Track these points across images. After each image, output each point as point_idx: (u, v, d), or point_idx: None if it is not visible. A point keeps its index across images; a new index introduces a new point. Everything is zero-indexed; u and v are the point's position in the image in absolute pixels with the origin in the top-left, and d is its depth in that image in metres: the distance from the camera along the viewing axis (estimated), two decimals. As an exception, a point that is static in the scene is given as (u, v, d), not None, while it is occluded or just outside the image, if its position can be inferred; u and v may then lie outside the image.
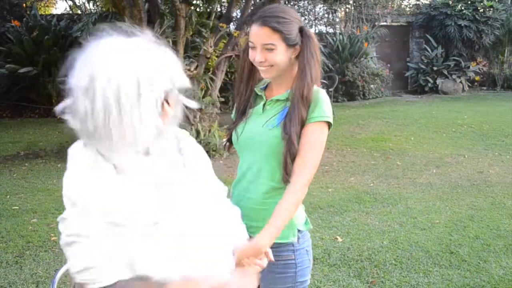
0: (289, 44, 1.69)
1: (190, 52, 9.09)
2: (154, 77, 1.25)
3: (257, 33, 1.69)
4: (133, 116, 1.22)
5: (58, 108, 1.28)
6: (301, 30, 1.72)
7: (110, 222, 1.24)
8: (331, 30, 14.20)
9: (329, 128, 1.72)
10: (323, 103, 1.70)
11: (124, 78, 1.21)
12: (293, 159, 1.66)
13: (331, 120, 1.71)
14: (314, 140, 1.68)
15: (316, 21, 14.39)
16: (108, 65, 1.22)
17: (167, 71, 1.29)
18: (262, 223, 1.61)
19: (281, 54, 1.68)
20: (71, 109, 1.26)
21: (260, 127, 1.73)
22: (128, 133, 1.23)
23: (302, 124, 1.68)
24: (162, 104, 1.29)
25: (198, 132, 7.27)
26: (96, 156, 1.28)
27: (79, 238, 1.24)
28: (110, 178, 1.28)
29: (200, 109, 7.53)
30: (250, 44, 1.72)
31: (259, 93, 1.82)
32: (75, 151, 1.31)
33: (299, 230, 1.76)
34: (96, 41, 1.27)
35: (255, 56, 1.70)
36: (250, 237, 1.57)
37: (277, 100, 1.76)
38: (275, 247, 1.64)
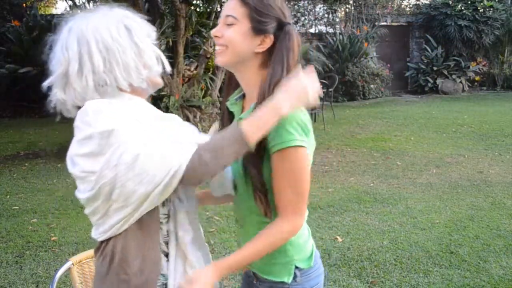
0: (256, 28, 1.38)
1: (190, 52, 9.11)
2: (135, 21, 1.44)
3: (225, 6, 1.42)
4: (128, 52, 1.39)
5: (45, 84, 1.43)
6: (281, 24, 1.41)
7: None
8: (331, 30, 14.21)
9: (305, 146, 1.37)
10: (287, 124, 1.33)
11: (106, 25, 1.39)
12: (265, 193, 1.40)
13: (300, 144, 1.34)
14: (285, 174, 1.36)
15: (316, 21, 14.40)
16: (90, 24, 1.39)
17: (145, 25, 1.47)
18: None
19: (240, 34, 1.38)
20: (59, 83, 1.41)
21: (236, 162, 1.43)
22: (131, 64, 1.39)
23: (260, 146, 1.35)
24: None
25: (198, 132, 7.27)
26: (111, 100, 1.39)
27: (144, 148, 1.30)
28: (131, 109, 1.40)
29: (200, 109, 7.53)
30: (219, 21, 1.45)
31: (231, 108, 1.51)
32: (95, 108, 1.34)
33: (297, 268, 1.47)
34: (65, 24, 1.43)
35: (212, 32, 1.44)
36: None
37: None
38: (267, 284, 1.49)
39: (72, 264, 1.89)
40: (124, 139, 1.30)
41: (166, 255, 1.46)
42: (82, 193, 1.38)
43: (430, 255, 3.76)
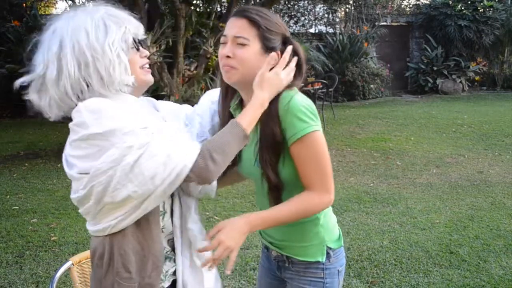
0: (266, 46, 1.47)
1: (190, 52, 9.10)
2: (114, 20, 1.38)
3: (232, 25, 1.47)
4: (105, 53, 1.34)
5: (17, 82, 1.41)
6: (286, 40, 1.51)
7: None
8: (331, 30, 14.20)
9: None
10: (298, 112, 1.44)
11: (83, 24, 1.35)
12: (278, 191, 1.50)
13: (315, 128, 1.45)
14: (307, 160, 1.46)
15: (316, 21, 14.39)
16: (71, 25, 1.35)
17: (127, 21, 1.41)
18: (285, 242, 1.60)
19: (253, 54, 1.45)
20: (34, 85, 1.38)
21: (252, 165, 1.54)
22: (103, 73, 1.35)
23: (276, 142, 1.45)
24: (131, 48, 1.41)
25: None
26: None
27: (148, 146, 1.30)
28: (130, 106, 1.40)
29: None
30: (222, 39, 1.49)
31: (234, 114, 1.57)
32: (95, 106, 1.31)
33: (330, 248, 1.60)
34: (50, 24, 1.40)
35: (223, 52, 1.47)
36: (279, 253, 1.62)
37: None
38: (303, 265, 1.59)
39: (72, 264, 1.89)
40: (126, 139, 1.27)
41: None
42: (74, 193, 1.36)
43: (430, 255, 3.76)
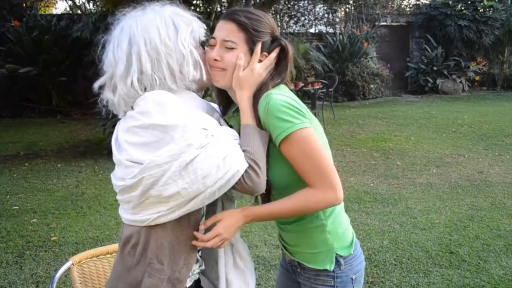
0: (254, 49, 1.48)
1: (190, 52, 9.08)
2: (183, 19, 1.43)
3: (220, 28, 1.47)
4: (176, 50, 1.39)
5: (95, 85, 1.43)
6: (275, 39, 1.51)
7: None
8: (331, 30, 14.20)
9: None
10: (277, 113, 1.40)
11: (155, 23, 1.39)
12: (266, 192, 1.46)
13: (300, 126, 1.39)
14: (298, 157, 1.42)
15: (316, 21, 14.39)
16: (140, 23, 1.40)
17: (193, 21, 1.46)
18: (295, 247, 1.60)
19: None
20: (108, 84, 1.42)
21: None
22: (175, 68, 1.39)
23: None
24: (200, 45, 1.47)
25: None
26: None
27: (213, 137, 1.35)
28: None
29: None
30: (211, 41, 1.49)
31: (230, 122, 1.56)
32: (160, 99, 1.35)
33: (340, 255, 1.55)
34: (117, 23, 1.45)
35: (211, 55, 1.47)
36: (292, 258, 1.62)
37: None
38: (313, 273, 1.56)
39: (72, 264, 1.89)
40: (187, 137, 1.30)
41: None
42: (119, 179, 1.37)
43: (430, 255, 3.76)
